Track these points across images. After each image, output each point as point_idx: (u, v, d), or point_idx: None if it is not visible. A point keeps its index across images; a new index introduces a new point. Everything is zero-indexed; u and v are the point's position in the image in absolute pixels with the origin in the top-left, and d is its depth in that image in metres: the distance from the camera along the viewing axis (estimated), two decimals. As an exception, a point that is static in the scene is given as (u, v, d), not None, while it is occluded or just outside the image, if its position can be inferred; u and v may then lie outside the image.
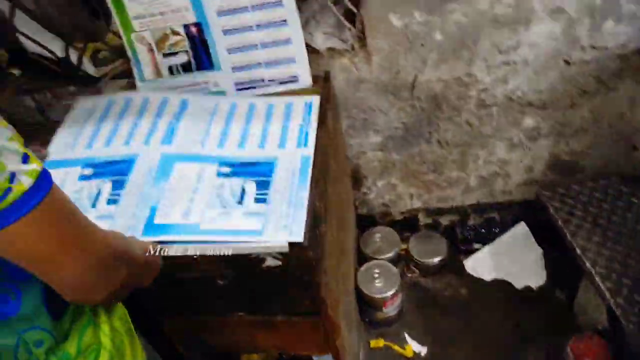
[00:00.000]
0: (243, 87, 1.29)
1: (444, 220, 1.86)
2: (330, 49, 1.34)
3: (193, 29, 1.24)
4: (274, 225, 0.94)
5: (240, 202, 0.98)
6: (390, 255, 1.70)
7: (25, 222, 0.54)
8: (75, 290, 0.63)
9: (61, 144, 1.15)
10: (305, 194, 0.98)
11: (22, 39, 1.24)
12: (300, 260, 0.93)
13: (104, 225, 0.95)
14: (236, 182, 1.02)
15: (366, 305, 1.65)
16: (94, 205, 1.00)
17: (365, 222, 1.82)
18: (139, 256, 0.74)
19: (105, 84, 1.34)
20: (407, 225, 1.84)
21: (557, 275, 1.73)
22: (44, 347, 0.66)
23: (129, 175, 1.04)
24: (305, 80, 1.29)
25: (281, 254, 0.92)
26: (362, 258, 1.72)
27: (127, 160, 1.07)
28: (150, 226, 0.95)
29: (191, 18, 1.22)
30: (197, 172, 1.04)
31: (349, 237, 1.59)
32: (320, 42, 1.28)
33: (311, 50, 1.31)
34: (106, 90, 1.35)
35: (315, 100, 1.22)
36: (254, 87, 1.29)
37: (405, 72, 1.39)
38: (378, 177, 1.69)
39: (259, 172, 1.04)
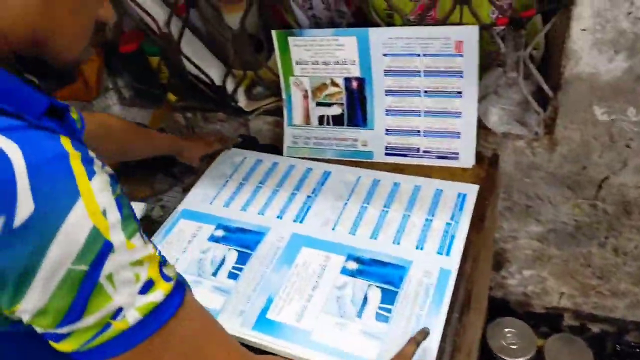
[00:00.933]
0: (393, 152, 1.14)
1: (595, 328, 1.55)
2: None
3: (354, 83, 1.12)
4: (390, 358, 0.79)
5: (359, 314, 0.85)
6: (524, 358, 1.46)
7: None
8: None
9: (201, 194, 1.13)
10: (436, 323, 0.82)
11: (184, 61, 1.23)
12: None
13: (218, 299, 0.92)
14: (360, 286, 0.89)
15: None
16: (215, 274, 0.95)
17: (497, 306, 1.59)
18: None
19: (254, 117, 1.28)
20: (546, 322, 1.57)
21: None
22: None
23: (255, 251, 0.98)
24: (468, 159, 1.10)
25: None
26: (485, 350, 1.51)
27: (258, 232, 1.01)
28: (262, 321, 0.86)
29: (355, 72, 1.10)
30: (322, 263, 0.93)
31: (477, 324, 1.38)
32: (496, 121, 1.08)
33: (481, 124, 1.11)
34: (253, 123, 1.30)
35: (472, 192, 1.02)
36: (406, 155, 1.14)
37: (595, 170, 1.12)
38: (526, 267, 1.45)
39: (387, 277, 0.89)
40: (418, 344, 0.78)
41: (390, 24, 1.07)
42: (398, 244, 0.95)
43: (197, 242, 1.02)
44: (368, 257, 0.93)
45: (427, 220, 0.98)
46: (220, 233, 1.03)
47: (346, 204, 1.04)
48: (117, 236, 0.45)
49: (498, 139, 1.15)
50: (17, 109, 0.45)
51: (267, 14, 1.10)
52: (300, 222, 1.02)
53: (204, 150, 1.20)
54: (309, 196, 1.08)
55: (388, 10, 1.03)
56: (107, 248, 0.44)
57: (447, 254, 0.92)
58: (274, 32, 1.10)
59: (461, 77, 1.04)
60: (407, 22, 1.03)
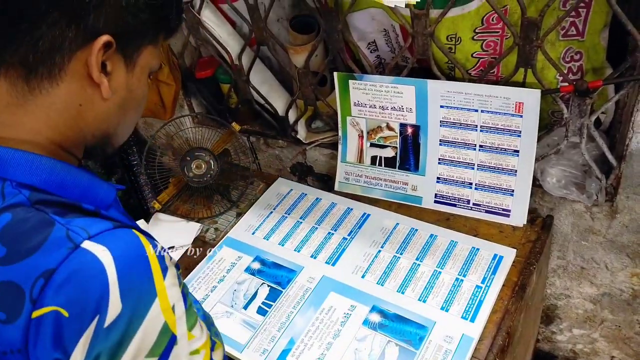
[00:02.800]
0: (443, 201, 1.14)
1: (649, 397, 1.45)
2: (564, 188, 1.09)
3: (409, 130, 1.13)
4: None
5: None
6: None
7: None
8: None
9: (246, 224, 1.20)
10: None
11: (252, 90, 1.29)
12: None
13: (246, 334, 0.96)
14: (379, 342, 0.90)
15: None
16: (246, 307, 1.01)
17: (542, 358, 1.54)
18: None
19: (311, 148, 1.33)
20: (595, 382, 1.50)
21: None
22: None
23: (286, 289, 1.02)
24: (519, 218, 1.08)
25: None
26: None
27: (291, 269, 1.06)
28: None
29: (411, 119, 1.11)
30: (347, 311, 0.96)
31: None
32: (554, 184, 1.04)
33: (537, 184, 1.08)
34: (310, 153, 1.35)
35: (508, 255, 1.00)
36: (455, 205, 1.13)
37: (658, 244, 1.06)
38: (576, 325, 1.39)
39: (407, 335, 0.90)
40: None
41: (451, 76, 1.06)
42: (424, 302, 0.95)
43: (235, 271, 1.09)
44: (392, 312, 0.94)
45: (456, 280, 0.97)
46: (256, 266, 1.09)
47: (380, 251, 1.06)
48: (181, 329, 0.52)
49: (555, 199, 1.11)
50: (94, 204, 0.54)
51: (333, 53, 1.14)
52: (333, 264, 1.05)
53: None
54: (344, 237, 1.10)
55: (450, 63, 1.03)
56: (173, 340, 0.51)
57: (472, 320, 0.90)
58: (335, 74, 1.14)
59: (519, 136, 1.02)
60: (467, 77, 1.02)
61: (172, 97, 1.32)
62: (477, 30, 0.97)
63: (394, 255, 1.04)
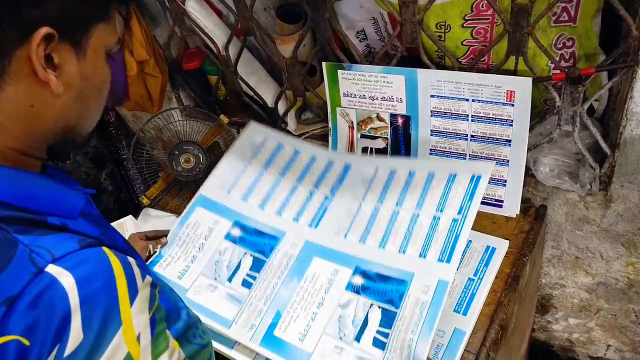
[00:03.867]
0: (436, 192, 1.12)
1: (645, 384, 1.45)
2: (558, 177, 1.07)
3: (399, 120, 1.10)
4: None
5: (358, 337, 0.87)
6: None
7: None
8: None
9: (220, 181, 1.14)
10: (424, 353, 0.80)
11: (240, 82, 1.27)
12: None
13: (232, 309, 0.95)
14: (362, 306, 0.90)
15: None
16: (230, 279, 1.00)
17: (539, 348, 1.53)
18: None
19: (302, 139, 1.31)
20: (591, 370, 1.49)
21: None
22: None
23: (269, 258, 1.01)
24: (511, 209, 1.07)
25: None
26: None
27: (273, 236, 1.03)
28: (270, 337, 0.91)
29: (401, 110, 1.09)
30: (330, 276, 0.95)
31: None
32: (547, 173, 1.02)
33: (530, 173, 1.06)
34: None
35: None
36: (448, 197, 1.12)
37: (654, 233, 1.04)
38: (572, 315, 1.38)
39: (388, 295, 0.89)
40: None
41: (441, 65, 1.04)
42: (404, 252, 0.93)
43: (214, 239, 1.05)
44: (374, 271, 0.92)
45: (434, 218, 0.94)
46: (237, 232, 1.05)
47: (361, 205, 1.02)
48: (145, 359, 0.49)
49: (548, 189, 1.10)
50: (62, 214, 0.51)
51: (321, 43, 1.11)
52: (316, 227, 1.02)
53: (144, 253, 1.08)
54: (326, 197, 1.06)
55: (440, 51, 1.01)
56: None
57: (448, 260, 0.87)
58: (324, 64, 1.11)
59: (511, 125, 1.00)
60: (457, 66, 1.00)
61: (159, 89, 1.29)
62: (466, 18, 0.94)
63: (375, 207, 1.01)
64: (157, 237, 1.10)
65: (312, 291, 0.94)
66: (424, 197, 0.98)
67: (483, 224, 1.06)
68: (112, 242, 0.53)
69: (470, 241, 1.00)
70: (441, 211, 0.95)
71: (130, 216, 1.23)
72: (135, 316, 0.48)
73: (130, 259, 0.51)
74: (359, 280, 0.93)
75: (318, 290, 0.94)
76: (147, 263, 1.06)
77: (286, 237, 1.03)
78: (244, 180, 1.13)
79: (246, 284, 0.99)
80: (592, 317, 1.35)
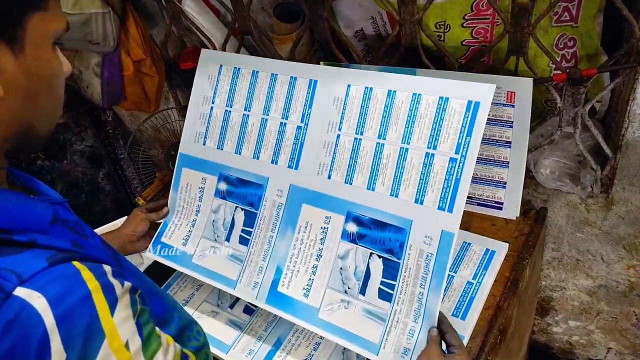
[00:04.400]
0: (435, 193, 1.11)
1: (646, 388, 1.44)
2: (558, 179, 1.06)
3: (398, 121, 1.09)
4: (394, 346, 0.79)
5: (362, 290, 0.85)
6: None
7: None
8: None
9: (191, 132, 1.08)
10: (436, 306, 0.76)
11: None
12: None
13: (234, 268, 0.94)
14: (361, 256, 0.86)
15: None
16: (228, 239, 0.99)
17: (538, 350, 1.52)
18: None
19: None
20: (591, 373, 1.48)
21: None
22: None
23: (260, 209, 0.97)
24: (511, 211, 1.05)
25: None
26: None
27: (258, 183, 0.99)
28: (274, 294, 0.90)
29: (399, 110, 1.07)
30: (323, 224, 0.91)
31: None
32: (547, 175, 1.01)
33: (530, 175, 1.05)
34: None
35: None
36: (447, 198, 1.10)
37: (655, 236, 1.03)
38: (572, 317, 1.37)
39: (387, 243, 0.84)
40: (440, 343, 0.75)
41: (441, 64, 1.02)
42: (397, 196, 0.84)
43: (206, 198, 1.04)
44: (367, 217, 0.87)
45: (427, 155, 0.82)
46: (223, 187, 1.03)
47: (339, 136, 0.91)
48: None
49: (549, 191, 1.08)
50: (29, 227, 0.48)
51: (319, 42, 1.10)
52: (296, 168, 0.95)
53: (145, 226, 1.06)
54: (298, 126, 0.96)
55: (439, 51, 0.99)
56: None
57: (450, 210, 0.79)
58: (322, 64, 1.10)
59: (511, 126, 0.98)
60: (457, 66, 0.99)
61: (155, 89, 1.28)
62: (466, 17, 0.93)
63: (355, 138, 0.91)
64: (158, 207, 1.09)
65: (308, 242, 0.91)
66: (410, 127, 0.84)
67: (482, 226, 1.05)
68: (88, 251, 0.51)
69: (469, 244, 0.99)
70: (434, 148, 0.81)
71: (126, 217, 1.22)
72: (119, 325, 0.47)
73: (106, 268, 0.49)
74: (353, 228, 0.88)
75: (314, 242, 0.91)
76: (155, 235, 1.07)
77: (270, 183, 0.98)
78: (214, 128, 1.06)
79: (243, 240, 0.98)
80: (592, 320, 1.34)
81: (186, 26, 1.21)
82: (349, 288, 0.86)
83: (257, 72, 1.02)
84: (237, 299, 1.00)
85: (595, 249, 1.15)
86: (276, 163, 0.98)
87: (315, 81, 0.96)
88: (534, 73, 0.92)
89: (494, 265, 0.94)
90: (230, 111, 1.05)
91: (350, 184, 0.89)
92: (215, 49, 1.20)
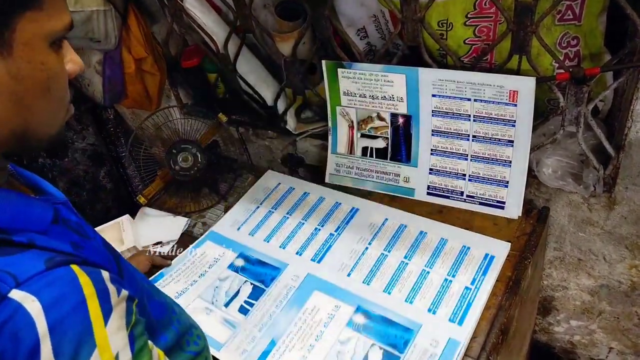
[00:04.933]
0: (436, 192, 1.11)
1: (648, 388, 1.44)
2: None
3: (400, 120, 1.09)
4: None
5: None
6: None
7: None
8: None
9: (232, 219, 1.17)
10: None
11: (239, 79, 1.25)
12: None
13: (225, 332, 0.93)
14: (362, 345, 0.87)
15: None
16: (227, 305, 0.99)
17: (539, 350, 1.52)
18: None
19: (301, 139, 1.29)
20: (592, 373, 1.48)
21: None
22: None
23: (270, 287, 1.00)
24: (513, 210, 1.05)
25: None
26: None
27: (276, 267, 1.04)
28: None
29: (402, 109, 1.07)
30: (331, 311, 0.93)
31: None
32: (550, 175, 1.01)
33: (532, 174, 1.05)
34: (301, 143, 1.31)
35: (501, 252, 0.97)
36: (448, 197, 1.10)
37: (658, 236, 1.03)
38: (574, 317, 1.36)
39: (392, 339, 0.87)
40: None
41: (443, 63, 1.02)
42: (411, 303, 0.92)
43: (218, 267, 1.06)
44: (377, 313, 0.91)
45: (445, 281, 0.94)
46: (240, 263, 1.06)
47: (367, 248, 1.03)
48: None
49: (551, 190, 1.08)
50: (29, 228, 0.47)
51: (321, 40, 1.09)
52: (319, 262, 1.02)
53: (147, 266, 1.09)
54: (331, 234, 1.08)
55: (442, 50, 0.99)
56: None
57: (460, 323, 0.87)
58: (324, 62, 1.10)
59: (514, 126, 0.98)
60: (460, 65, 0.98)
61: (157, 87, 1.28)
62: (469, 15, 0.92)
63: (382, 253, 1.01)
64: (164, 262, 1.11)
65: (311, 323, 0.92)
66: (434, 258, 0.98)
67: (484, 225, 1.05)
68: (88, 253, 0.50)
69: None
70: (453, 276, 0.95)
71: (127, 215, 1.22)
72: (111, 335, 0.45)
73: (104, 274, 0.48)
74: (360, 319, 0.91)
75: (317, 324, 0.92)
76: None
77: (288, 268, 1.03)
78: (254, 219, 1.17)
79: (243, 310, 0.98)
80: (594, 320, 1.34)
81: (188, 24, 1.21)
82: None
83: (308, 193, 1.19)
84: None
85: (597, 249, 1.14)
86: (300, 255, 1.05)
87: (357, 209, 1.12)
88: (536, 72, 0.91)
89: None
90: (272, 211, 1.17)
91: (368, 284, 0.96)
92: (217, 47, 1.20)
